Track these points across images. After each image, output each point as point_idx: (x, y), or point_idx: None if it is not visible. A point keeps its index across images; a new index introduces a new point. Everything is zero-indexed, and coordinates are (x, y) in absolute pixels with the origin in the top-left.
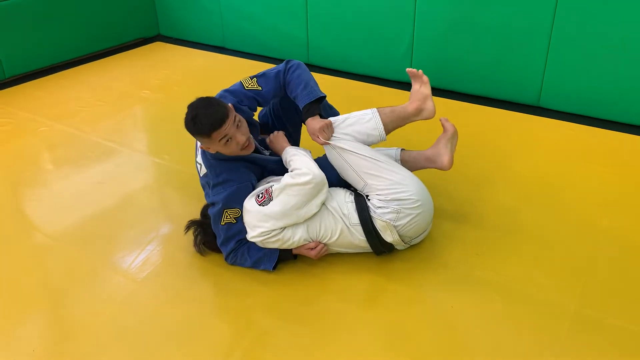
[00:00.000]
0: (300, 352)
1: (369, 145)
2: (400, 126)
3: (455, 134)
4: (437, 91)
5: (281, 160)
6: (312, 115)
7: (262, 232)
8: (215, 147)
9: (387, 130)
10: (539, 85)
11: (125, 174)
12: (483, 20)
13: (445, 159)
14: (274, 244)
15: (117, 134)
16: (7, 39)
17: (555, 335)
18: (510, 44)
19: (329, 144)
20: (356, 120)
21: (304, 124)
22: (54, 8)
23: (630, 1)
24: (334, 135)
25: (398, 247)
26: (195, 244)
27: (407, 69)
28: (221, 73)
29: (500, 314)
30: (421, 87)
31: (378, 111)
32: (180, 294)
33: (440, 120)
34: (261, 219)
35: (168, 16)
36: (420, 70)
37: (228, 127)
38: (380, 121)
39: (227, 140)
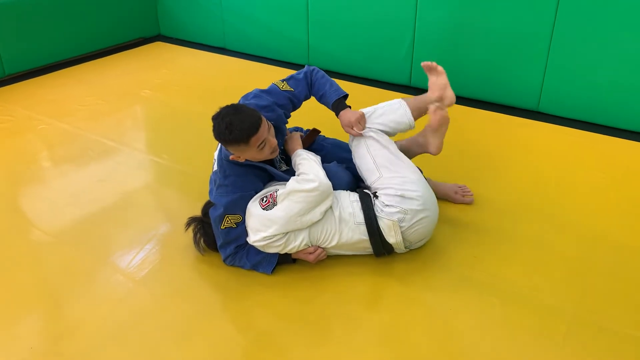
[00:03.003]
0: (300, 352)
1: (398, 133)
2: (423, 115)
3: (442, 125)
4: None
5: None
6: (344, 108)
7: (265, 237)
8: (248, 154)
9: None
10: (539, 90)
11: (124, 173)
12: (483, 25)
13: (433, 147)
14: (276, 248)
15: (116, 132)
16: (7, 37)
17: (553, 338)
18: (510, 49)
19: (362, 135)
20: (386, 111)
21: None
22: (55, 6)
23: (630, 7)
24: (367, 126)
25: (398, 251)
26: (195, 243)
27: (422, 63)
28: (221, 74)
29: (498, 317)
30: (438, 78)
31: (404, 100)
32: (179, 293)
33: (429, 110)
34: (264, 223)
35: (169, 16)
36: (434, 62)
37: (264, 130)
38: (409, 109)
39: (264, 145)
